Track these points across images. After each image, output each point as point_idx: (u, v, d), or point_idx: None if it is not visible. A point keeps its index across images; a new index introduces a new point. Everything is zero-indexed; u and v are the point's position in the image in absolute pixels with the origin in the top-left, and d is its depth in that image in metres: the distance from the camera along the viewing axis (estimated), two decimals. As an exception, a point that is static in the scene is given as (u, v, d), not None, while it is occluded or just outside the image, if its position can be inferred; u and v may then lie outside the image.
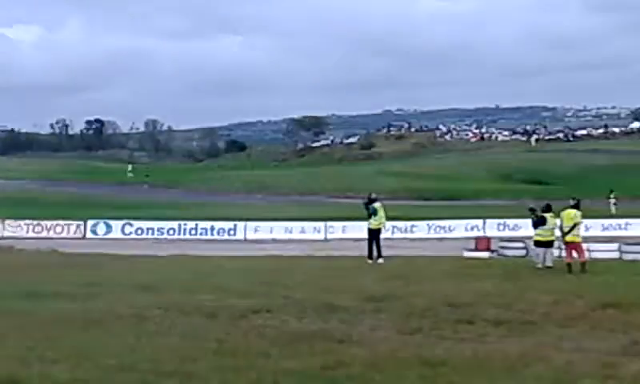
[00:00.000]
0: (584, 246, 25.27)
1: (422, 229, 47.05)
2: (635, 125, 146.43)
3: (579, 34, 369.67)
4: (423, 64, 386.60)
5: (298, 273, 23.36)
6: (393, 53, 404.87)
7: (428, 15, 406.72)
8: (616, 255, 33.23)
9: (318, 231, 47.05)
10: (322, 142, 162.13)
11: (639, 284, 20.30)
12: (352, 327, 13.39)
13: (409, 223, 47.23)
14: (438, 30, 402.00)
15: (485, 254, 33.43)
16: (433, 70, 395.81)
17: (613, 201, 58.47)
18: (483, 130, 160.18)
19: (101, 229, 47.37)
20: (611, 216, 51.85)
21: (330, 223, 47.78)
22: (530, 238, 27.53)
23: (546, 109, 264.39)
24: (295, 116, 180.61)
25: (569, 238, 23.59)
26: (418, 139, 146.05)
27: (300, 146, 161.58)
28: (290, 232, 46.86)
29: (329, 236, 46.26)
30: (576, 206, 24.09)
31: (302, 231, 47.02)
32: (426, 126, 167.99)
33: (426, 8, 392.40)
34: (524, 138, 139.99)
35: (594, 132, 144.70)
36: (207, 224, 47.83)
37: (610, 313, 14.79)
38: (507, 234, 43.90)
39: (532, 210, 25.54)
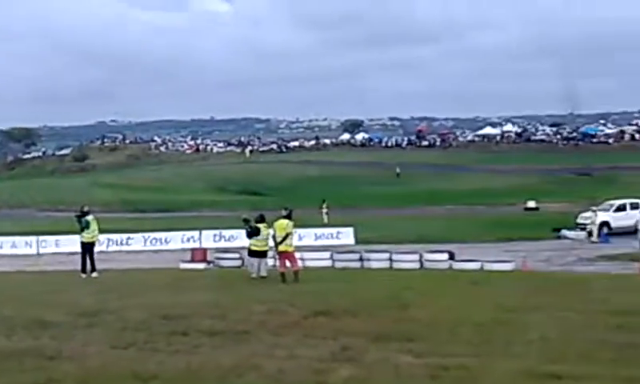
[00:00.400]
0: (297, 255, 25.81)
1: (137, 241, 46.55)
2: (345, 136, 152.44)
3: (293, 48, 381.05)
4: (138, 75, 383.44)
5: (8, 289, 22.32)
6: (107, 64, 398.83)
7: (142, 27, 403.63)
8: (328, 263, 34.32)
9: (30, 246, 45.43)
10: (34, 154, 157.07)
11: (349, 291, 20.99)
12: (63, 343, 12.90)
13: (124, 235, 46.64)
14: (153, 42, 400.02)
15: (201, 265, 33.50)
16: (148, 81, 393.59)
17: (325, 210, 60.31)
18: (199, 142, 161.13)
19: None
20: (324, 225, 53.51)
21: (42, 237, 46.23)
22: (245, 248, 27.80)
23: (259, 120, 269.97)
24: (3, 127, 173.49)
25: (282, 247, 23.99)
26: (132, 151, 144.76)
27: (10, 158, 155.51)
28: (0, 247, 44.85)
29: (41, 250, 44.76)
30: (288, 216, 24.55)
31: (13, 246, 45.22)
32: (141, 138, 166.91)
33: (139, 20, 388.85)
34: (239, 150, 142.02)
35: (306, 143, 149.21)
36: None
37: (322, 320, 15.12)
38: (223, 244, 44.35)
39: (246, 221, 25.78)
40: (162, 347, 12.54)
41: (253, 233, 24.94)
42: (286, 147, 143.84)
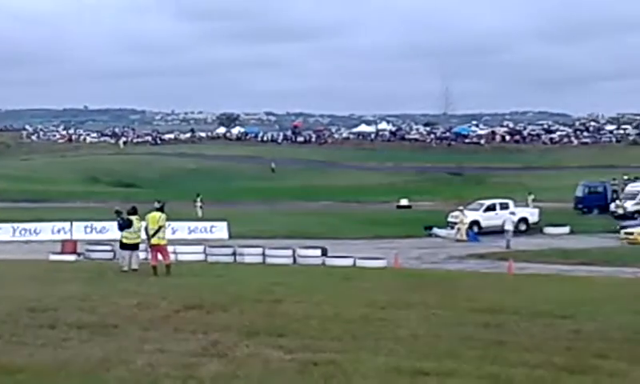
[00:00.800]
0: (170, 248, 25.60)
1: (6, 231, 45.30)
2: (221, 130, 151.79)
3: (169, 39, 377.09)
4: (8, 62, 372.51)
5: None
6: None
7: (12, 14, 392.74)
8: (202, 257, 34.23)
9: None
10: None
11: (221, 285, 20.91)
12: None
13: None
14: (23, 28, 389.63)
15: (71, 257, 32.92)
16: (18, 68, 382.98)
17: (199, 204, 59.91)
18: (71, 131, 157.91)
19: None
20: (197, 219, 53.14)
21: None
22: (116, 240, 27.36)
23: (134, 112, 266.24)
24: None
25: (154, 240, 23.70)
26: (2, 139, 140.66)
27: None
28: None
29: None
30: (161, 209, 24.29)
31: None
32: (12, 126, 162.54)
33: (10, 6, 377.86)
34: (112, 141, 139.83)
35: (182, 136, 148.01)
36: None
37: (193, 314, 15.01)
38: (95, 236, 43.56)
39: (118, 213, 25.37)
40: (29, 340, 12.22)
41: (125, 225, 24.54)
42: (161, 139, 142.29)
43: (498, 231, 47.19)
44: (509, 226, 45.19)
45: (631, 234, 43.61)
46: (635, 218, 51.13)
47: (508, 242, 43.67)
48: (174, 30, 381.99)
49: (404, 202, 69.48)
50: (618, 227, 47.69)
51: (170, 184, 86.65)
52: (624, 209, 55.90)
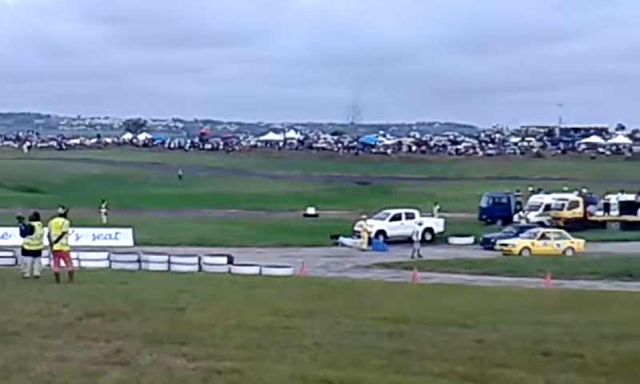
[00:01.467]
0: (73, 255, 25.20)
1: None
2: (127, 136, 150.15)
3: (77, 42, 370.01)
4: None
5: None
6: None
7: None
8: (106, 264, 33.78)
9: None
10: None
11: (125, 292, 20.68)
12: None
13: None
14: None
15: (-30, 264, 32.08)
16: None
17: (104, 210, 59.14)
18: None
19: None
20: (102, 225, 52.46)
21: None
22: (18, 246, 26.80)
23: (39, 116, 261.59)
24: None
25: (57, 247, 23.32)
26: None
27: None
28: None
29: None
30: (64, 215, 23.90)
31: None
32: None
33: None
34: (16, 145, 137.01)
35: (88, 141, 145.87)
36: None
37: (95, 321, 14.81)
38: (-4, 242, 42.54)
39: (20, 219, 24.87)
40: None
41: (27, 231, 24.06)
42: (66, 144, 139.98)
43: (404, 241, 47.73)
44: (416, 236, 45.72)
45: (506, 245, 44.61)
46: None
47: (416, 252, 44.12)
48: (82, 33, 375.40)
49: (311, 210, 69.63)
50: (481, 238, 49.24)
51: (74, 190, 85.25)
52: (527, 220, 57.08)
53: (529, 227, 49.95)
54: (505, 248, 44.35)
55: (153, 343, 12.51)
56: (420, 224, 49.56)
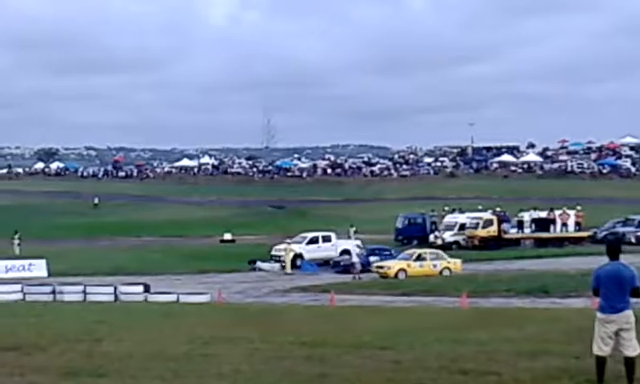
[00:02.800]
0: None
1: None
2: (39, 165, 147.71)
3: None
4: None
5: None
6: None
7: None
8: (19, 296, 33.21)
9: None
10: None
11: (40, 325, 20.35)
12: None
13: None
14: None
15: None
16: None
17: (17, 241, 58.22)
18: None
19: None
20: (15, 257, 51.62)
21: None
22: None
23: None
24: None
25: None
26: None
27: None
28: None
29: None
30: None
31: None
32: None
33: None
34: None
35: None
36: None
37: (10, 355, 14.55)
38: None
39: None
40: None
41: None
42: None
43: (322, 264, 48.00)
44: (356, 258, 45.86)
45: (382, 267, 44.58)
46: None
47: (356, 274, 44.23)
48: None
49: (228, 236, 69.40)
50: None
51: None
52: (443, 240, 57.79)
53: (381, 250, 49.92)
54: (381, 270, 44.19)
55: (69, 376, 12.35)
56: (358, 247, 49.57)
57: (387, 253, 48.23)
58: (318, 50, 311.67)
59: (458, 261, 45.53)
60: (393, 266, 44.23)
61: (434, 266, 44.21)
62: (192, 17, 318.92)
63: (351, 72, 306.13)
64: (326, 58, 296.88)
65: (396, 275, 43.01)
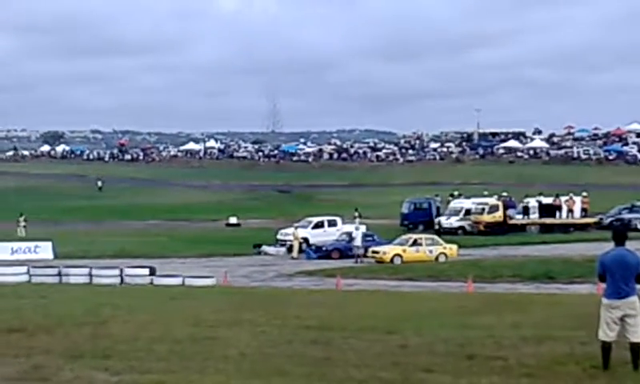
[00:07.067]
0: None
1: None
2: (45, 148, 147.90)
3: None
4: None
5: None
6: None
7: None
8: (25, 278, 33.20)
9: None
10: None
11: (45, 307, 20.36)
12: None
13: None
14: None
15: None
16: None
17: (22, 224, 58.31)
18: None
19: None
20: (21, 239, 51.68)
21: None
22: None
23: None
24: None
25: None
26: None
27: None
28: None
29: None
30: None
31: None
32: None
33: None
34: None
35: (4, 155, 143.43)
36: None
37: (15, 337, 14.56)
38: None
39: None
40: None
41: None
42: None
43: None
44: (358, 242, 45.61)
45: (377, 252, 44.25)
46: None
47: (358, 257, 44.08)
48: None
49: (233, 220, 69.40)
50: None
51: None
52: (440, 224, 57.81)
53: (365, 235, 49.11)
54: (377, 255, 43.94)
55: (74, 358, 12.34)
56: (357, 229, 49.38)
57: (370, 238, 47.54)
58: (325, 36, 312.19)
59: (454, 246, 45.24)
60: (388, 251, 43.95)
61: (430, 251, 43.94)
62: (201, 1, 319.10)
63: (358, 57, 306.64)
64: (333, 43, 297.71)
65: (391, 260, 42.80)
